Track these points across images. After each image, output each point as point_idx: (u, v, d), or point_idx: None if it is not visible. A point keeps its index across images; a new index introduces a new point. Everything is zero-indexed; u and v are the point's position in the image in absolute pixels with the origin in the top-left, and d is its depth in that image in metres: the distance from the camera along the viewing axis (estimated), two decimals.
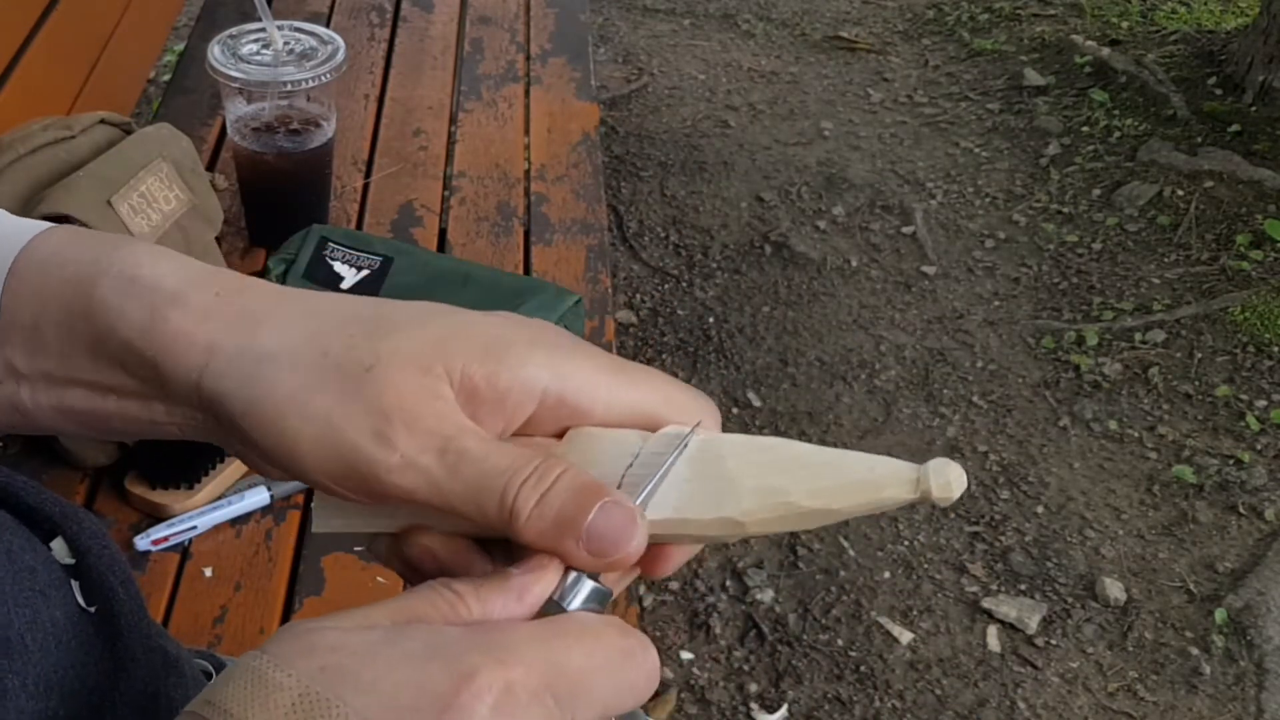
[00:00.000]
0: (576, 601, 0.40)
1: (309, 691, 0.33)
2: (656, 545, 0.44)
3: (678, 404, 0.45)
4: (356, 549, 1.05)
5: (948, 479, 0.42)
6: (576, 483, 0.40)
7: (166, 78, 2.20)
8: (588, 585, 0.40)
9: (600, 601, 0.40)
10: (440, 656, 0.34)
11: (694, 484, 0.43)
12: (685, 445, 0.43)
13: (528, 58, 1.85)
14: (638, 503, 0.41)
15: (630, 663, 0.38)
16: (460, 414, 0.41)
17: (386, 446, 0.40)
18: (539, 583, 0.39)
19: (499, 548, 0.44)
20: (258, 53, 1.28)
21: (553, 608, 0.39)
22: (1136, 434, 2.17)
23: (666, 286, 2.44)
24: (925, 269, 2.53)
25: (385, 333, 0.42)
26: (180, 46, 1.99)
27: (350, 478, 0.40)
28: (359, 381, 0.40)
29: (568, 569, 0.40)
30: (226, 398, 0.41)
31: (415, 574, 0.44)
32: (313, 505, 0.46)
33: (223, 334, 0.42)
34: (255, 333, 0.42)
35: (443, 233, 1.47)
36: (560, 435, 0.44)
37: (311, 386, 0.41)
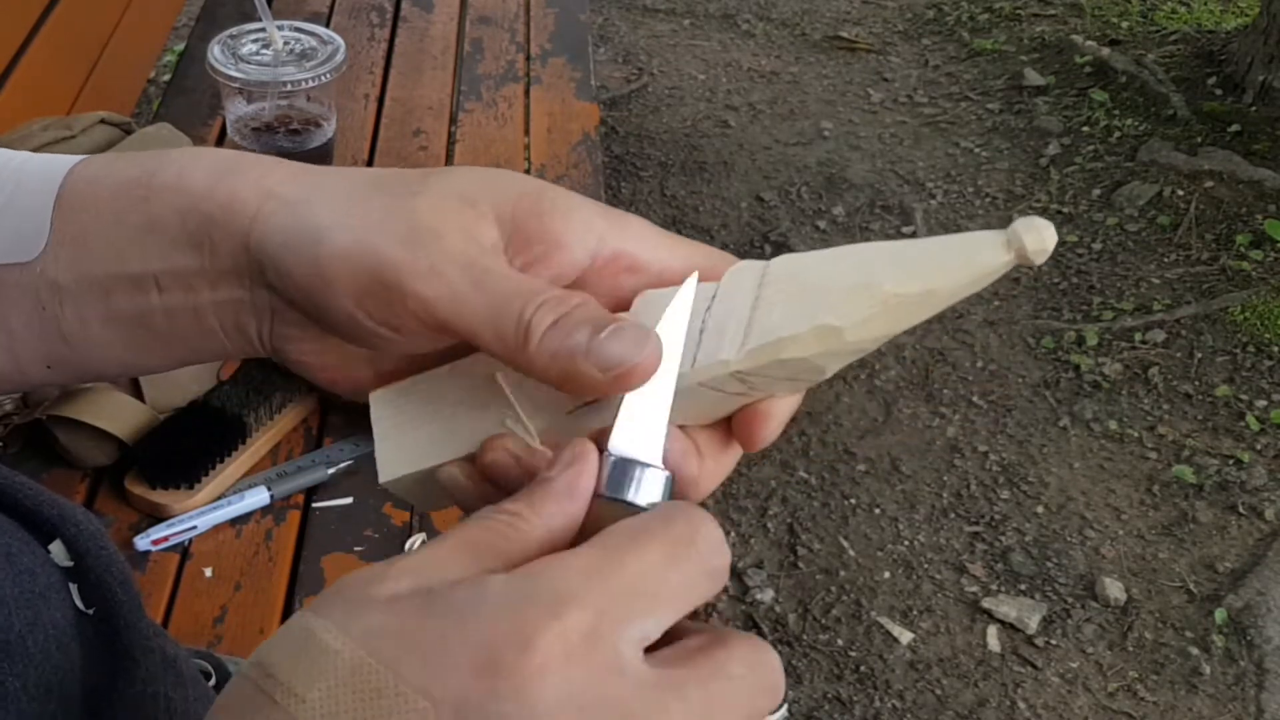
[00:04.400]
0: (639, 492, 0.38)
1: (363, 663, 0.32)
2: (750, 408, 0.42)
3: (725, 264, 0.43)
4: (357, 549, 1.05)
5: (1038, 230, 0.39)
6: (594, 311, 0.39)
7: (166, 78, 2.20)
8: (647, 472, 0.38)
9: (666, 489, 0.38)
10: (482, 613, 0.32)
11: (781, 304, 0.40)
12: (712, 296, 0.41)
13: (528, 58, 1.85)
14: (699, 342, 0.40)
15: (689, 550, 0.35)
16: (496, 248, 0.41)
17: (413, 252, 0.39)
18: (582, 473, 0.37)
19: None
20: (258, 53, 1.28)
21: (617, 506, 0.37)
22: (1136, 434, 2.17)
23: None
24: None
25: (439, 174, 0.42)
26: (180, 46, 1.99)
27: (376, 291, 0.40)
28: (401, 204, 0.41)
29: (604, 453, 0.38)
30: (271, 234, 0.41)
31: (493, 493, 0.42)
32: (375, 454, 0.44)
33: (279, 184, 0.43)
34: (313, 177, 0.43)
35: None
36: (627, 306, 0.43)
37: (354, 209, 0.41)
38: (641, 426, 0.39)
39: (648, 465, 0.38)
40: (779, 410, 0.42)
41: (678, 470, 0.41)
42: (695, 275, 0.42)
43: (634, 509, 0.37)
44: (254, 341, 0.45)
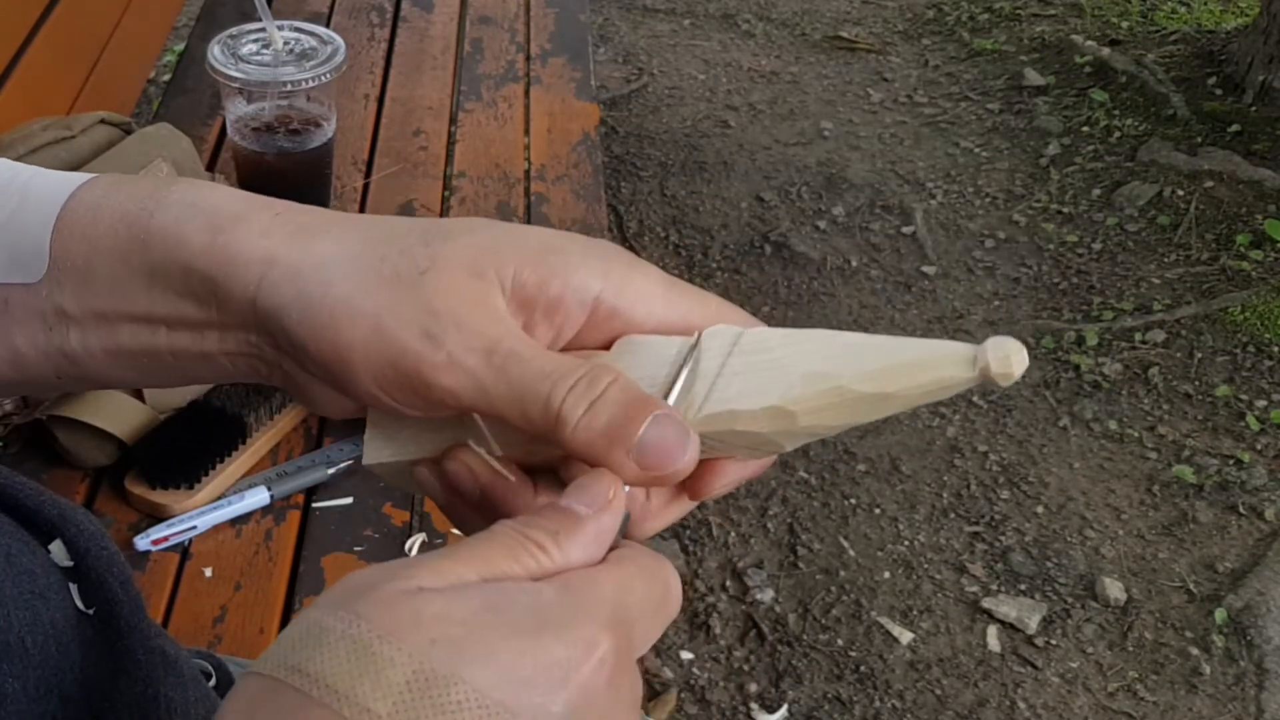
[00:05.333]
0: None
1: (423, 669, 0.32)
2: (705, 461, 0.43)
3: (730, 319, 0.44)
4: (356, 549, 1.05)
5: (1007, 354, 0.39)
6: (627, 394, 0.39)
7: (166, 78, 2.20)
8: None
9: (624, 527, 0.40)
10: (551, 627, 0.34)
11: (743, 376, 0.41)
12: (697, 349, 0.42)
13: (528, 58, 1.85)
14: (671, 401, 0.41)
15: (669, 595, 0.39)
16: (509, 319, 0.41)
17: (433, 344, 0.40)
18: (613, 524, 0.38)
19: (542, 474, 0.43)
20: (258, 53, 1.28)
21: None
22: (1136, 434, 2.17)
23: None
24: (925, 269, 2.53)
25: (440, 239, 0.42)
26: (180, 46, 1.99)
27: (398, 381, 0.40)
28: (412, 284, 0.40)
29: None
30: (282, 308, 0.41)
31: (456, 497, 0.44)
32: (364, 437, 0.45)
33: (281, 247, 0.42)
34: (313, 243, 0.42)
35: None
36: (608, 347, 0.44)
37: (366, 289, 0.41)
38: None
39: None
40: (733, 471, 0.44)
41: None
42: (700, 336, 0.43)
43: None
44: (265, 379, 0.45)
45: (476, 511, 0.44)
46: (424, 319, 0.40)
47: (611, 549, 0.39)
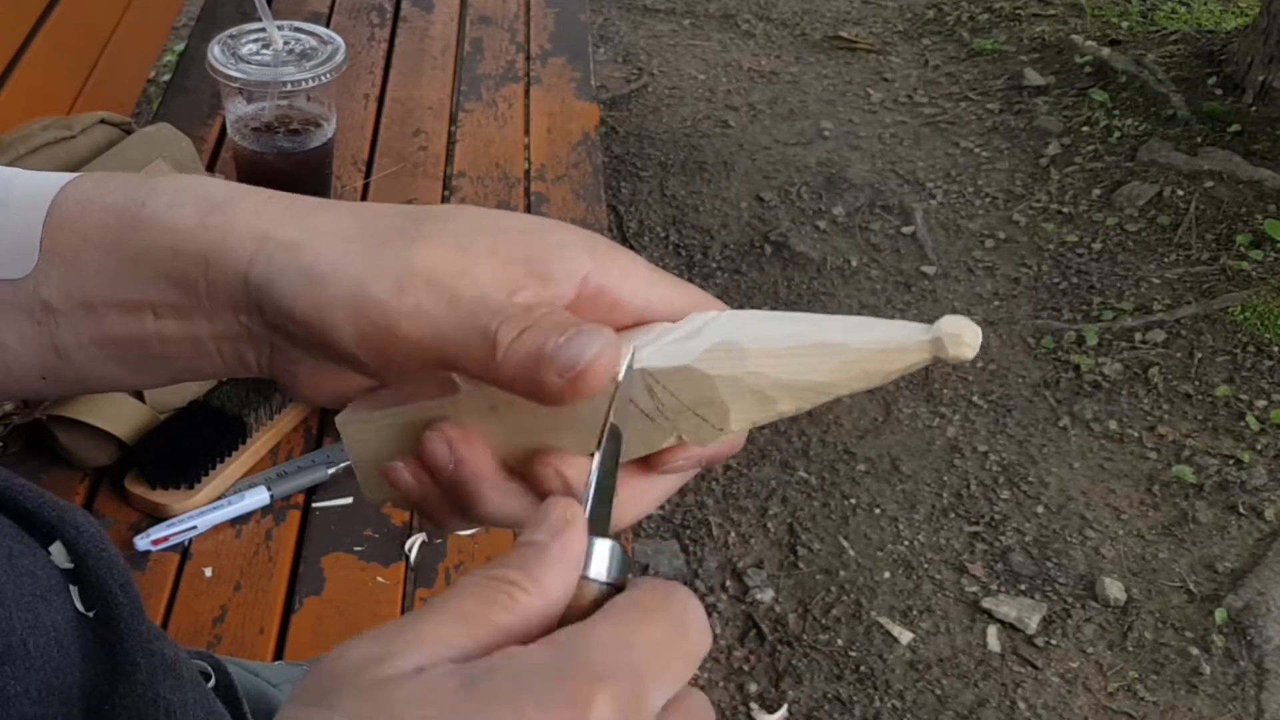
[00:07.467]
0: (602, 569, 0.38)
1: None
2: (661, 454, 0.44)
3: (705, 308, 0.45)
4: (356, 549, 1.05)
5: (959, 333, 0.40)
6: (559, 318, 0.40)
7: (166, 78, 2.20)
8: (607, 546, 0.38)
9: (623, 565, 0.38)
10: (532, 689, 0.32)
11: (706, 335, 0.43)
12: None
13: (528, 58, 1.85)
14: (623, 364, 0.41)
15: (685, 625, 0.36)
16: (486, 287, 0.42)
17: (402, 293, 0.41)
18: (574, 540, 0.37)
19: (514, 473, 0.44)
20: (258, 53, 1.28)
21: (584, 582, 0.37)
22: (1136, 434, 2.17)
23: None
24: (925, 269, 2.53)
25: (432, 220, 0.43)
26: (180, 46, 1.99)
27: (373, 334, 0.41)
28: (398, 251, 0.42)
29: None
30: (275, 278, 0.42)
31: (430, 485, 0.44)
32: (342, 438, 0.47)
33: (274, 223, 0.43)
34: (307, 219, 0.43)
35: None
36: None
37: (354, 254, 0.42)
38: (591, 498, 0.40)
39: (599, 538, 0.38)
40: (692, 449, 0.44)
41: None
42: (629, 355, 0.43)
43: (590, 581, 0.38)
44: (251, 367, 0.46)
45: (448, 499, 0.44)
46: (400, 275, 0.41)
47: (616, 590, 0.37)
